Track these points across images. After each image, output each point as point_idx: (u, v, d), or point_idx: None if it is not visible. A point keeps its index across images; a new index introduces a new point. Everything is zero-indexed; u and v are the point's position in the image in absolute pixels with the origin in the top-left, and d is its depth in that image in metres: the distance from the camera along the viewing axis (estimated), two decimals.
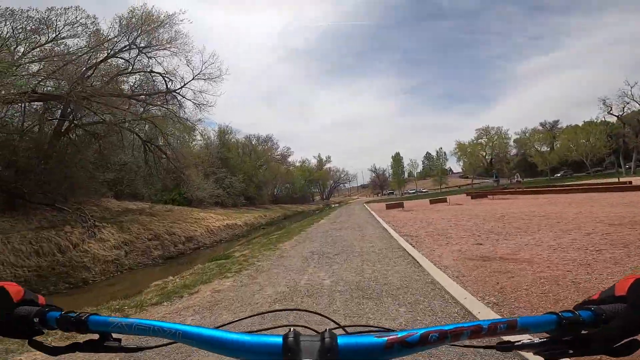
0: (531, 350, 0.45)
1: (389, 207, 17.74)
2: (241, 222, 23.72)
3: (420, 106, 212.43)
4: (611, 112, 39.42)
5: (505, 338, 0.45)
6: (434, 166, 75.20)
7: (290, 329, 0.44)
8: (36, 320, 0.47)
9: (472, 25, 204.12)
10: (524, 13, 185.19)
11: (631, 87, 37.02)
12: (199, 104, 22.65)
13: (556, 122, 65.06)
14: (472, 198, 18.38)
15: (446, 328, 0.42)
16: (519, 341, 0.45)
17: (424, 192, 67.46)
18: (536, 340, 0.44)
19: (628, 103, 37.44)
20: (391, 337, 0.42)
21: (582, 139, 49.03)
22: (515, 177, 21.11)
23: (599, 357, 0.44)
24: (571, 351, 0.42)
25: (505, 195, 18.28)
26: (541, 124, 66.72)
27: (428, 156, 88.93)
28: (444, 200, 17.98)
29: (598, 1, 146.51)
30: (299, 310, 0.66)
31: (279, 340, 0.42)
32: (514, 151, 71.75)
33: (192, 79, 22.37)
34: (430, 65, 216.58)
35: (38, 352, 0.73)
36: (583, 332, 0.43)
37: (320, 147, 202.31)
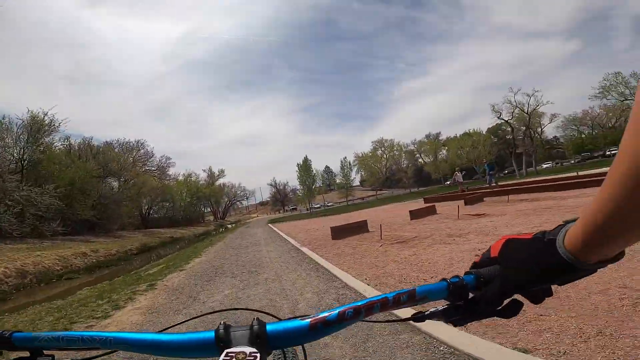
0: (440, 318, 0.45)
1: (337, 233, 8.07)
2: None
3: (316, 124, 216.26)
4: (501, 117, 41.20)
5: (417, 310, 0.47)
6: (332, 179, 71.20)
7: (220, 322, 0.45)
8: None
9: (365, 49, 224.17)
10: (406, 41, 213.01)
11: (514, 94, 39.18)
12: None
13: (438, 134, 69.93)
14: (465, 204, 10.73)
15: (359, 303, 0.43)
16: (428, 310, 0.45)
17: (331, 205, 61.50)
18: (440, 308, 0.45)
19: (516, 108, 39.40)
20: (313, 318, 0.43)
21: (467, 147, 52.35)
22: (456, 176, 15.04)
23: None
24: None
25: (510, 198, 11.37)
26: (426, 136, 70.73)
27: (327, 170, 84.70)
28: (432, 211, 9.73)
29: (457, 32, 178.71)
30: (233, 309, 0.72)
31: (211, 334, 0.43)
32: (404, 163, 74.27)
33: None
34: (325, 85, 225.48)
35: None
36: (471, 296, 0.43)
37: (217, 165, 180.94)
